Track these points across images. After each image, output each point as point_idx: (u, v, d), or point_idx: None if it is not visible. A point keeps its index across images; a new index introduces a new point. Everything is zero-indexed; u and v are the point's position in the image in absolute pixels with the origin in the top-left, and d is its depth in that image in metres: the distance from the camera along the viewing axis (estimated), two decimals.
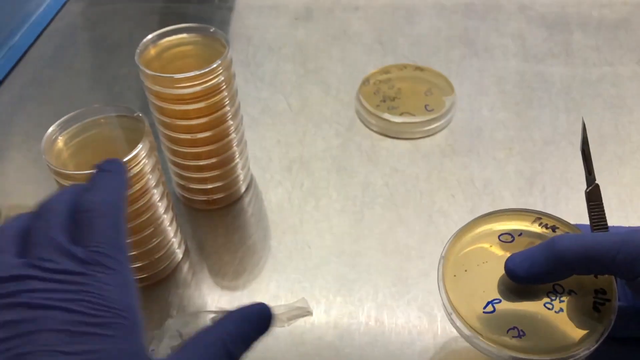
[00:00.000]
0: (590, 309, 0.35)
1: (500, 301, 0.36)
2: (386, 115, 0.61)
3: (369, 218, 0.54)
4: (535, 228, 0.40)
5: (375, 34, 0.76)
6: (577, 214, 0.53)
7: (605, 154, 0.59)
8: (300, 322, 0.46)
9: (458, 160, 0.59)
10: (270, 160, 0.60)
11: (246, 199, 0.57)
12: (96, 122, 0.45)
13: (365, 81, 0.66)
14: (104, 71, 0.74)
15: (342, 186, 0.57)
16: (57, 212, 0.29)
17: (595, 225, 0.39)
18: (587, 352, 0.34)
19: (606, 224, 0.39)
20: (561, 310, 0.36)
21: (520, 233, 0.40)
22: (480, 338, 0.35)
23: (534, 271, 0.35)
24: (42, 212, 0.29)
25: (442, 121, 0.61)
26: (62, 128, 0.44)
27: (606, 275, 0.37)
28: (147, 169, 0.43)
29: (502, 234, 0.40)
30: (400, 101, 0.63)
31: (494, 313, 0.36)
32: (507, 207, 0.41)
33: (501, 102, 0.65)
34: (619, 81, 0.67)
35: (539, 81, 0.68)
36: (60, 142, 0.44)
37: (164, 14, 0.84)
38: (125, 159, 0.41)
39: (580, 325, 0.35)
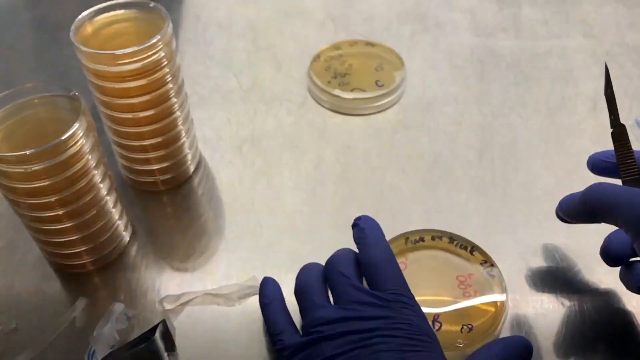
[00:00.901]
0: (487, 279, 0.45)
1: (439, 315, 0.43)
2: (337, 92, 0.61)
3: (321, 195, 0.54)
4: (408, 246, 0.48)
5: (327, 10, 0.75)
6: (525, 185, 0.54)
7: (553, 125, 0.60)
8: (252, 300, 0.46)
9: (409, 135, 0.59)
10: (221, 139, 0.59)
11: (195, 180, 0.56)
12: (30, 103, 0.43)
13: (316, 58, 0.65)
14: (47, 52, 0.71)
15: (294, 164, 0.57)
16: (349, 267, 0.39)
17: (621, 164, 0.42)
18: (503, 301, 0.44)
19: (634, 162, 0.41)
20: (477, 292, 0.45)
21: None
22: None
23: (570, 210, 0.41)
24: (333, 268, 0.39)
25: (393, 96, 0.61)
26: None
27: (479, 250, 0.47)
28: (86, 149, 0.42)
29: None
30: (351, 77, 0.63)
31: (441, 329, 0.43)
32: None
33: (452, 76, 0.66)
34: (566, 54, 0.68)
35: (489, 55, 0.68)
36: None
37: None
38: (61, 138, 0.39)
39: (492, 291, 0.44)
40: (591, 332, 0.43)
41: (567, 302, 0.45)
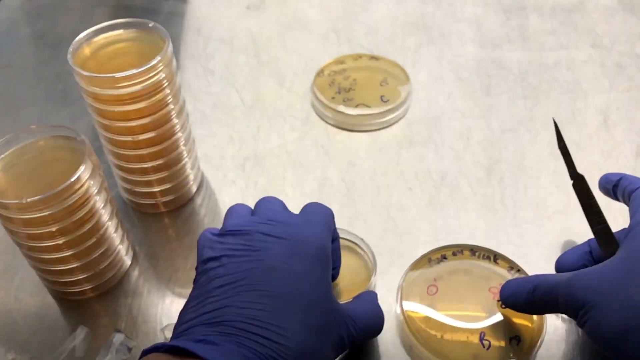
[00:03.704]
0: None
1: (484, 333, 0.42)
2: (341, 108, 0.59)
3: None
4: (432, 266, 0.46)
5: (330, 22, 0.74)
6: (535, 203, 0.53)
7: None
8: None
9: (415, 151, 0.58)
10: (223, 158, 0.58)
11: (198, 200, 0.55)
12: (34, 145, 0.42)
13: (320, 72, 0.64)
14: (47, 68, 0.70)
15: (298, 183, 0.56)
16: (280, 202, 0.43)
17: (588, 214, 0.43)
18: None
19: (599, 210, 0.42)
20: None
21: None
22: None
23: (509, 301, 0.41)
24: (264, 198, 0.42)
25: (398, 112, 0.60)
26: None
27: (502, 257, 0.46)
28: (93, 190, 0.41)
29: (429, 286, 0.45)
30: (355, 92, 0.61)
31: (491, 347, 0.41)
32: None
33: (458, 90, 0.64)
34: (575, 65, 0.66)
35: (496, 67, 0.67)
36: None
37: (110, 7, 0.80)
38: (64, 185, 0.39)
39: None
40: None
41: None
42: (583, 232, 0.50)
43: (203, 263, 0.36)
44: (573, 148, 0.57)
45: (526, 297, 0.39)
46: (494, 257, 0.46)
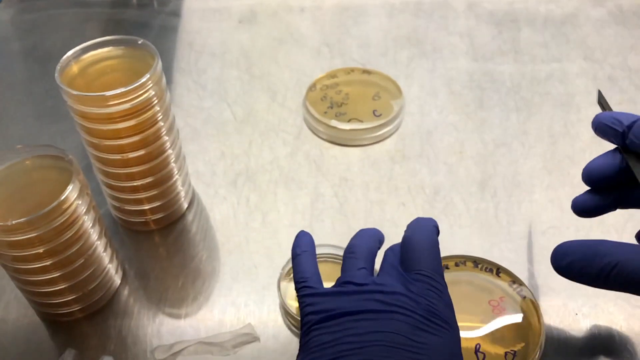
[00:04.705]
0: (519, 300, 0.44)
1: (480, 345, 0.42)
2: (334, 122, 0.59)
3: (318, 232, 0.52)
4: None
5: (322, 36, 0.74)
6: (529, 218, 0.52)
7: (556, 154, 0.58)
8: (247, 349, 0.44)
9: (408, 166, 0.57)
10: (214, 174, 0.58)
11: (189, 217, 0.54)
12: (20, 165, 0.42)
13: (312, 87, 0.64)
14: (37, 84, 0.70)
15: (290, 199, 0.55)
16: (394, 250, 0.39)
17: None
18: None
19: None
20: (511, 314, 0.44)
21: None
22: None
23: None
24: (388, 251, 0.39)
25: (391, 126, 0.60)
26: None
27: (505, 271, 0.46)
28: (82, 210, 0.40)
29: None
30: (348, 107, 0.61)
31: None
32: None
33: (451, 103, 0.64)
34: (567, 78, 0.66)
35: (489, 80, 0.67)
36: None
37: (102, 21, 0.79)
38: (51, 207, 0.38)
39: (527, 311, 0.44)
40: None
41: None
42: None
43: (310, 325, 0.34)
44: (566, 162, 0.57)
45: (599, 272, 0.36)
46: (497, 270, 0.46)
